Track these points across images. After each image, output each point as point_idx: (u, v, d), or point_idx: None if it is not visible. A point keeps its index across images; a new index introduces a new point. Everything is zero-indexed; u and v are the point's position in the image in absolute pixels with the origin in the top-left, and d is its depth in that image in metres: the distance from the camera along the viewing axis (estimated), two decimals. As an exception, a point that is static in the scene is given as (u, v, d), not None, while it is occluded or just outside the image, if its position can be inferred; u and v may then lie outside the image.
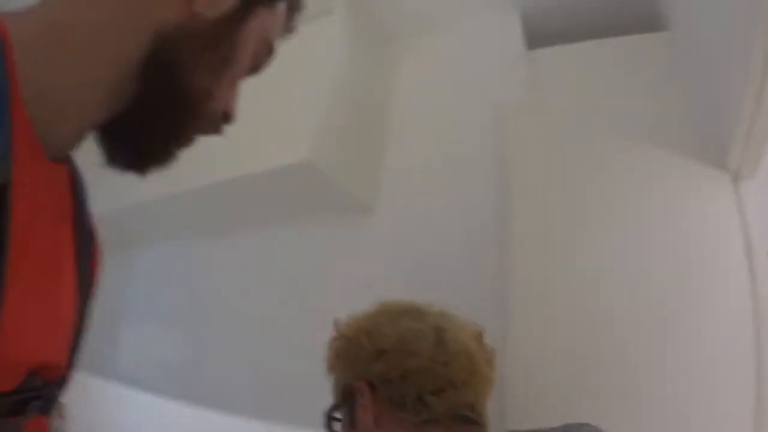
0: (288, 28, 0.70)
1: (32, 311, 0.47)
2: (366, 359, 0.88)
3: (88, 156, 0.57)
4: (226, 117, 0.64)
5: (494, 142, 1.58)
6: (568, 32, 1.91)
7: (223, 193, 1.75)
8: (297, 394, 1.71)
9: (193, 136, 0.61)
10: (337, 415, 0.93)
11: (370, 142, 1.78)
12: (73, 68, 0.49)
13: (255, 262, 1.97)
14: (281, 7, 0.66)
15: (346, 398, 0.90)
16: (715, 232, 1.39)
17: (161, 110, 0.55)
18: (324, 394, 1.62)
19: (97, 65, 0.51)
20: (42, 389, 0.49)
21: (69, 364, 0.58)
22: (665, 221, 1.36)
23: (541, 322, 1.28)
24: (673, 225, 1.35)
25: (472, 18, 1.90)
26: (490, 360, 0.92)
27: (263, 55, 0.65)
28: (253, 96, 1.64)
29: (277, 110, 1.64)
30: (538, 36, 1.91)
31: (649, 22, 1.83)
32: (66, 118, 0.51)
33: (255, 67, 0.65)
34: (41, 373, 0.49)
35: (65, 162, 0.55)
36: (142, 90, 0.53)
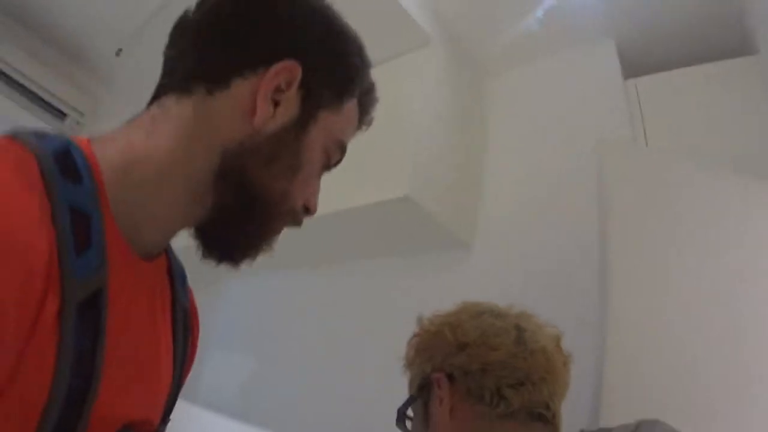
0: (364, 121, 0.73)
1: (127, 381, 0.56)
2: (448, 351, 0.89)
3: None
4: (307, 210, 0.68)
5: (593, 175, 1.55)
6: (660, 60, 1.88)
7: (319, 227, 1.74)
8: (377, 429, 1.70)
9: (277, 230, 0.66)
10: (410, 412, 0.94)
11: (468, 177, 1.77)
12: (153, 188, 0.57)
13: (346, 296, 1.98)
14: (350, 106, 0.68)
15: (421, 392, 0.91)
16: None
17: (240, 216, 0.61)
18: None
19: (174, 185, 0.58)
20: None
21: (162, 420, 0.68)
22: (733, 238, 1.31)
23: (641, 359, 1.24)
24: (739, 242, 1.30)
25: (568, 49, 1.88)
26: (566, 363, 0.92)
27: (335, 154, 0.68)
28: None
29: (374, 145, 1.64)
30: (632, 65, 1.88)
31: (739, 46, 1.79)
32: (152, 229, 0.59)
33: (329, 165, 0.69)
34: (135, 428, 0.58)
35: (160, 255, 0.64)
36: (218, 201, 0.60)
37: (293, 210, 0.66)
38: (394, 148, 1.62)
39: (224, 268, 0.66)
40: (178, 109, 0.60)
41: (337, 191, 1.55)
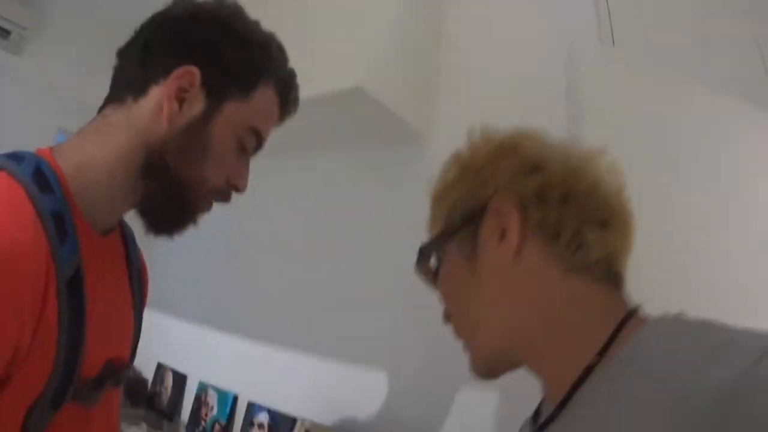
0: (287, 109, 0.88)
1: (104, 330, 0.76)
2: (519, 170, 0.66)
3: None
4: (236, 188, 0.84)
5: (559, 71, 1.51)
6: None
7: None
8: (332, 325, 1.72)
9: (202, 208, 0.83)
10: (434, 253, 0.72)
11: (425, 68, 1.67)
12: (104, 187, 0.75)
13: (299, 189, 1.95)
14: (260, 96, 0.82)
15: (467, 224, 0.67)
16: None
17: (166, 198, 0.78)
18: (365, 325, 1.59)
19: (118, 181, 0.76)
20: (114, 371, 0.80)
21: (131, 357, 0.91)
22: (741, 174, 1.30)
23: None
24: (748, 179, 1.28)
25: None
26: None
27: (249, 139, 0.82)
28: (305, 21, 1.57)
29: (328, 35, 1.56)
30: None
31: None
32: (107, 214, 0.79)
33: (246, 150, 0.83)
34: (113, 363, 0.79)
35: (115, 228, 0.84)
36: (147, 189, 0.77)
37: (215, 189, 0.81)
38: (347, 37, 1.52)
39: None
40: (116, 117, 0.77)
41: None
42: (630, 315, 0.59)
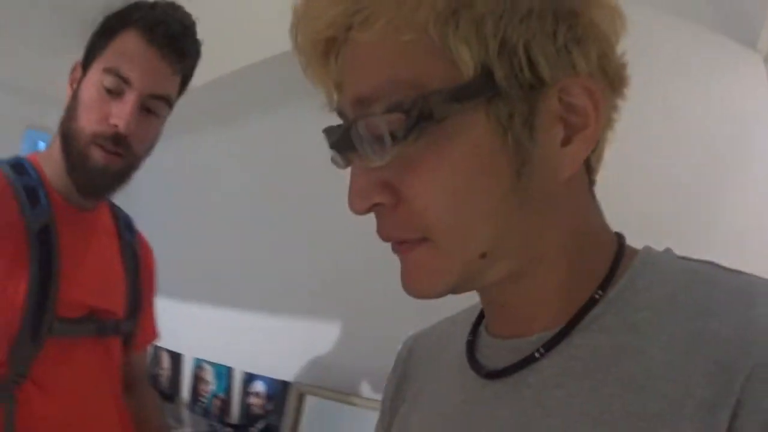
0: (158, 44, 0.98)
1: (84, 280, 1.00)
2: (598, 46, 0.43)
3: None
4: (115, 127, 0.96)
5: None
6: None
7: (224, 87, 1.68)
8: (313, 286, 1.72)
9: (95, 157, 0.97)
10: (430, 115, 0.40)
11: None
12: (60, 170, 1.02)
13: (263, 150, 1.93)
14: (121, 40, 0.98)
15: (523, 89, 0.41)
16: (744, 113, 1.31)
17: (68, 157, 1.01)
18: (348, 282, 1.59)
19: (60, 160, 1.02)
20: (95, 321, 1.02)
21: (125, 316, 1.13)
22: (693, 97, 1.28)
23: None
24: (701, 101, 1.27)
25: None
26: None
27: (108, 80, 0.96)
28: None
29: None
30: None
31: None
32: (73, 193, 1.03)
33: (109, 90, 0.97)
34: (97, 315, 1.03)
35: (95, 208, 1.09)
36: (64, 157, 1.02)
37: (96, 134, 0.96)
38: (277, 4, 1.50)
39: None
40: None
41: (234, 49, 1.46)
42: (622, 245, 0.50)
